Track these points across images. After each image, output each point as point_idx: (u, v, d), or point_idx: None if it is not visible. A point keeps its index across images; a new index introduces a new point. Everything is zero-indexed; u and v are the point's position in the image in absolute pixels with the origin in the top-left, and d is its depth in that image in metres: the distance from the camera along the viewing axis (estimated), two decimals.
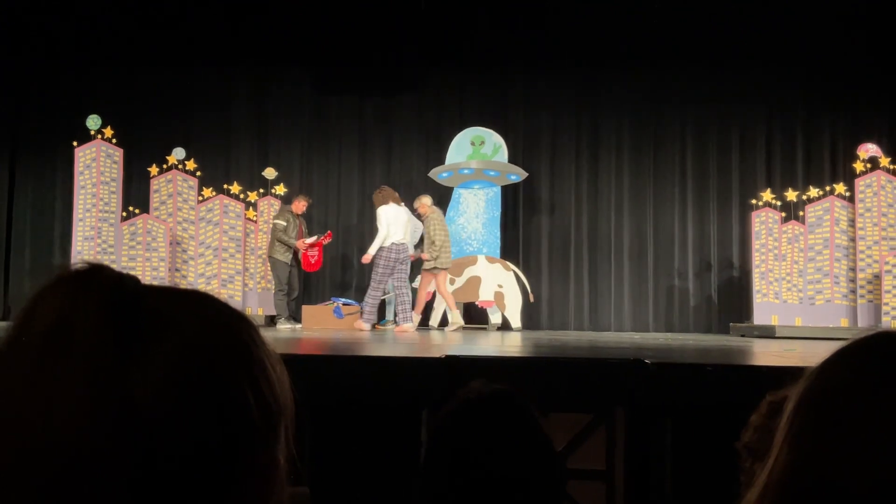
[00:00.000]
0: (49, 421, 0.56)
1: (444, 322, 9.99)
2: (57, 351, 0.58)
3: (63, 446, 0.56)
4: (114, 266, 0.65)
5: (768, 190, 10.08)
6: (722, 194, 11.25)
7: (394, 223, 8.97)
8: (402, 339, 7.08)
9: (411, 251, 9.62)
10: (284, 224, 9.62)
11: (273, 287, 9.87)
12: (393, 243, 8.94)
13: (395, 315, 9.52)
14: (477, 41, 11.10)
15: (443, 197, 11.10)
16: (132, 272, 0.67)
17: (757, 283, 9.72)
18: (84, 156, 10.00)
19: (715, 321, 10.86)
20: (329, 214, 11.44)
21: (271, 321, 9.90)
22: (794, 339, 8.49)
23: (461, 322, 9.51)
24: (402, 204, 9.48)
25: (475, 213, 10.53)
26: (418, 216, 9.58)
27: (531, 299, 10.19)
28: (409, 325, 8.97)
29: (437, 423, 1.53)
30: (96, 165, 9.95)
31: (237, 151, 11.78)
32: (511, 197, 11.27)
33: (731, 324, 10.21)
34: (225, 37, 11.17)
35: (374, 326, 9.33)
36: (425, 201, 9.39)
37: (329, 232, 10.22)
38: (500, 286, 9.90)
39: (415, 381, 3.36)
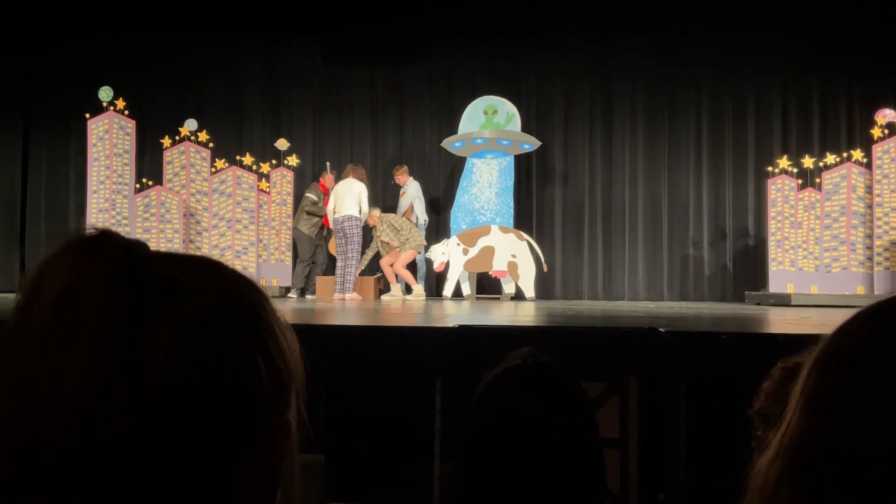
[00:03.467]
0: (59, 388, 0.56)
1: (457, 293, 10.03)
2: (66, 317, 0.58)
3: (73, 413, 0.56)
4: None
5: (784, 157, 9.98)
6: (737, 162, 11.16)
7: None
8: (408, 308, 7.10)
9: (424, 221, 10.24)
10: (315, 198, 10.15)
11: (288, 258, 10.16)
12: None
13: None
14: (488, 9, 11.00)
15: (456, 167, 11.08)
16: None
17: (772, 251, 9.66)
18: (97, 127, 10.02)
19: (730, 289, 10.83)
20: None
21: (286, 292, 10.07)
22: (809, 307, 8.47)
23: (400, 295, 9.80)
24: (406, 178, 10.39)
25: (488, 183, 10.50)
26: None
27: (545, 269, 10.18)
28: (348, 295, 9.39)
29: (482, 390, 1.49)
30: (109, 137, 9.98)
31: (249, 123, 11.78)
32: (524, 166, 11.23)
33: (746, 292, 10.18)
34: (236, 7, 11.13)
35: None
36: (374, 213, 9.87)
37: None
38: (513, 256, 9.89)
39: (428, 351, 3.37)
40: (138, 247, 0.63)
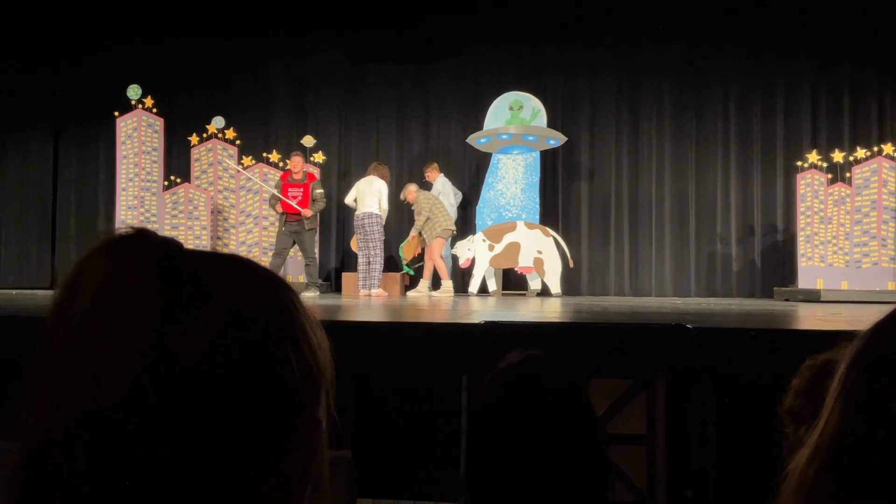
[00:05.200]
0: (97, 385, 0.57)
1: (483, 289, 10.02)
2: (103, 315, 0.58)
3: (110, 410, 0.57)
4: None
5: (814, 151, 9.87)
6: (766, 156, 11.04)
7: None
8: (434, 305, 7.10)
9: (453, 215, 10.11)
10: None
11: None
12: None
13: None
14: (514, 5, 10.97)
15: (481, 163, 11.06)
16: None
17: (802, 247, 9.57)
18: (126, 125, 10.13)
19: (758, 286, 10.73)
20: None
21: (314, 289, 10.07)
22: (839, 303, 8.37)
23: (426, 291, 9.72)
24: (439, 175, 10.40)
25: (514, 179, 10.47)
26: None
27: (571, 265, 10.15)
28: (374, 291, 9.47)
29: (478, 394, 1.53)
30: (138, 135, 10.08)
31: (276, 120, 11.84)
32: (550, 162, 11.19)
33: (774, 288, 10.08)
34: (262, 5, 11.18)
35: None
36: (411, 189, 9.90)
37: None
38: (539, 252, 9.87)
39: (455, 347, 3.37)
40: (173, 245, 0.64)
